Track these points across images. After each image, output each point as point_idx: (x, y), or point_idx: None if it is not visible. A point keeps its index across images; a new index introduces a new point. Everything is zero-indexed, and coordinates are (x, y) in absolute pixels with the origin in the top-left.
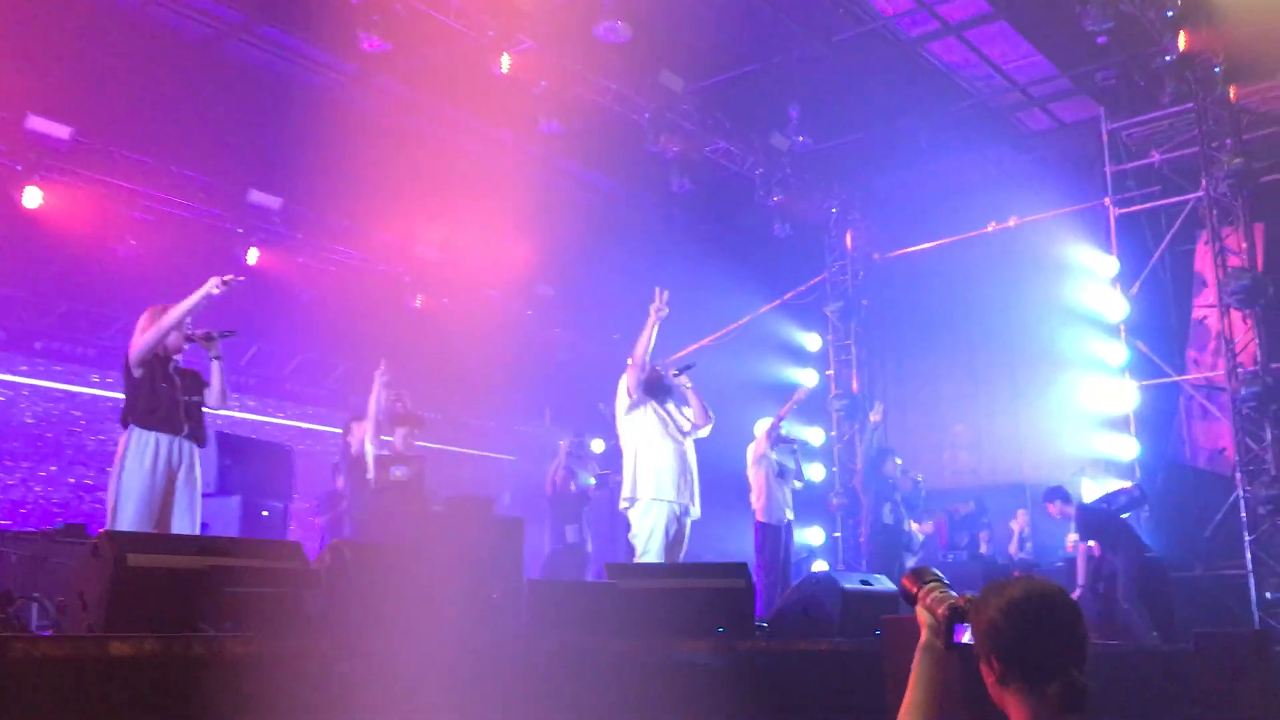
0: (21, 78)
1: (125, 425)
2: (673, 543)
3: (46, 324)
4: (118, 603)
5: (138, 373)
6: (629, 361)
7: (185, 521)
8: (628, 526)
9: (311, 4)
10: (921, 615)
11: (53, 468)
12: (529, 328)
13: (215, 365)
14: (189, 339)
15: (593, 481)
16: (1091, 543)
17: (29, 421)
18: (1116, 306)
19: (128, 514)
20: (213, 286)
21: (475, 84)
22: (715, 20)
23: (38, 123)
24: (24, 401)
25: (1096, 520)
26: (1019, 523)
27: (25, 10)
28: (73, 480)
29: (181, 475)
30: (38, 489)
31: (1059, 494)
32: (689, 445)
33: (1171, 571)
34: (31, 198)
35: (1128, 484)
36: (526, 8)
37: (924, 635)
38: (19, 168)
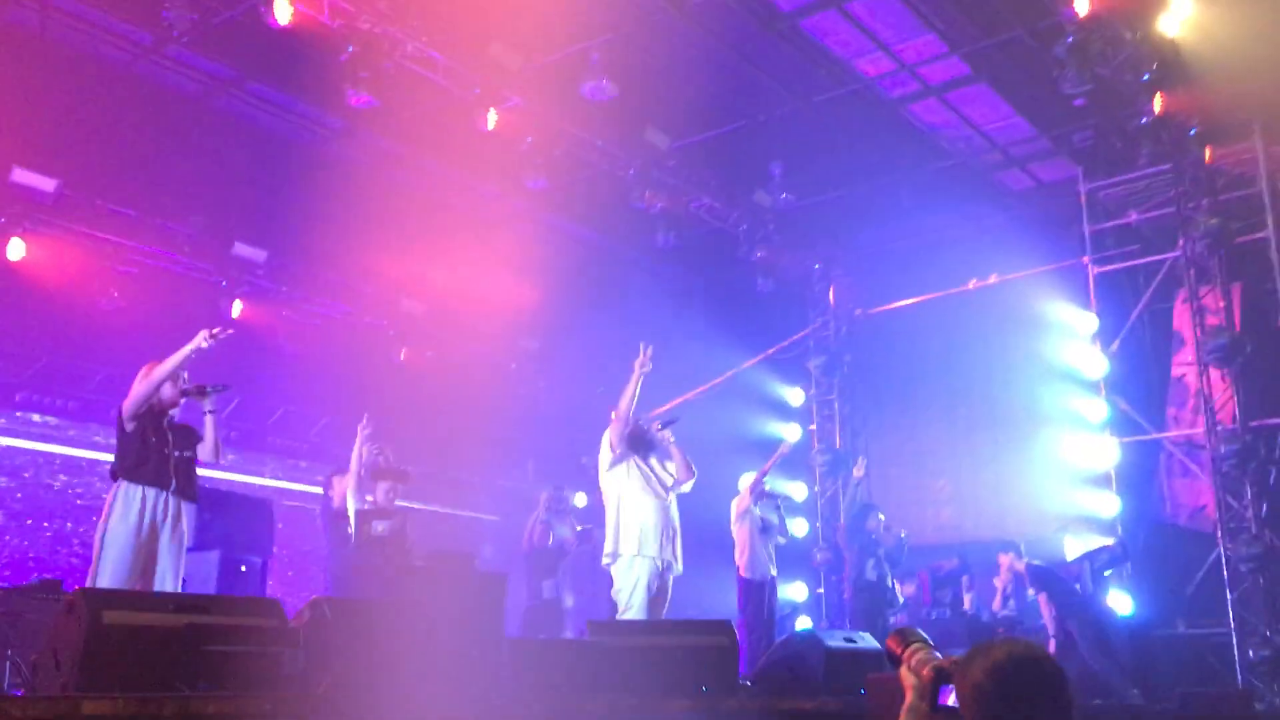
0: (7, 131)
1: (114, 479)
2: (655, 599)
3: (28, 377)
4: (92, 661)
5: (130, 426)
6: (613, 416)
7: (169, 577)
8: (610, 582)
9: (300, 60)
10: (906, 677)
11: (28, 521)
12: (513, 381)
13: (209, 420)
14: (183, 393)
15: (569, 535)
16: (1043, 594)
17: (6, 475)
18: (1096, 364)
19: (110, 567)
20: (202, 340)
21: (462, 140)
22: (700, 79)
23: (23, 175)
24: (2, 455)
25: (1045, 577)
26: (1003, 579)
27: (11, 64)
28: (50, 534)
29: (166, 530)
30: (14, 542)
31: (1012, 547)
32: (672, 500)
33: (1154, 630)
34: (15, 250)
35: (1109, 541)
36: (513, 66)
37: (909, 697)
38: (2, 220)
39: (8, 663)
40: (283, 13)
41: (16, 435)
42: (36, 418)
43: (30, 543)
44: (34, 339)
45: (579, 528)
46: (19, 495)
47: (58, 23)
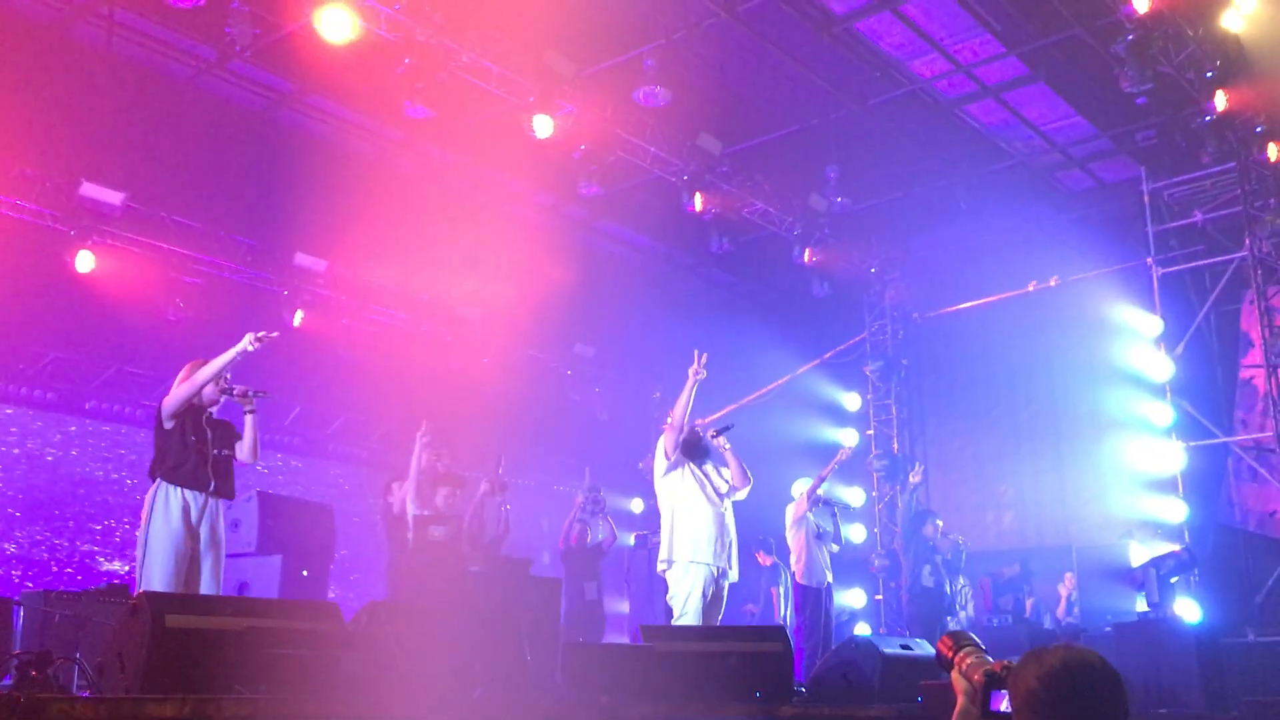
0: (76, 146)
1: (153, 478)
2: (710, 605)
3: (96, 385)
4: (155, 663)
5: (169, 425)
6: (667, 423)
7: (210, 577)
8: (665, 588)
9: (358, 73)
10: (957, 681)
11: (97, 527)
12: (568, 388)
13: (249, 419)
14: (224, 393)
15: (606, 535)
16: None
17: (80, 479)
18: (1162, 367)
19: (155, 568)
20: (248, 343)
21: (516, 148)
22: (753, 84)
23: (91, 189)
24: (73, 461)
25: None
26: (1066, 586)
27: (80, 80)
28: (119, 539)
29: (205, 531)
30: (84, 548)
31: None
32: (727, 507)
33: (1221, 638)
34: (84, 262)
35: (1176, 547)
36: (567, 73)
37: (960, 702)
38: (72, 233)
39: (75, 665)
40: (340, 28)
41: (86, 443)
42: (107, 426)
43: (100, 547)
44: (102, 348)
45: (633, 534)
46: (89, 501)
47: (124, 39)
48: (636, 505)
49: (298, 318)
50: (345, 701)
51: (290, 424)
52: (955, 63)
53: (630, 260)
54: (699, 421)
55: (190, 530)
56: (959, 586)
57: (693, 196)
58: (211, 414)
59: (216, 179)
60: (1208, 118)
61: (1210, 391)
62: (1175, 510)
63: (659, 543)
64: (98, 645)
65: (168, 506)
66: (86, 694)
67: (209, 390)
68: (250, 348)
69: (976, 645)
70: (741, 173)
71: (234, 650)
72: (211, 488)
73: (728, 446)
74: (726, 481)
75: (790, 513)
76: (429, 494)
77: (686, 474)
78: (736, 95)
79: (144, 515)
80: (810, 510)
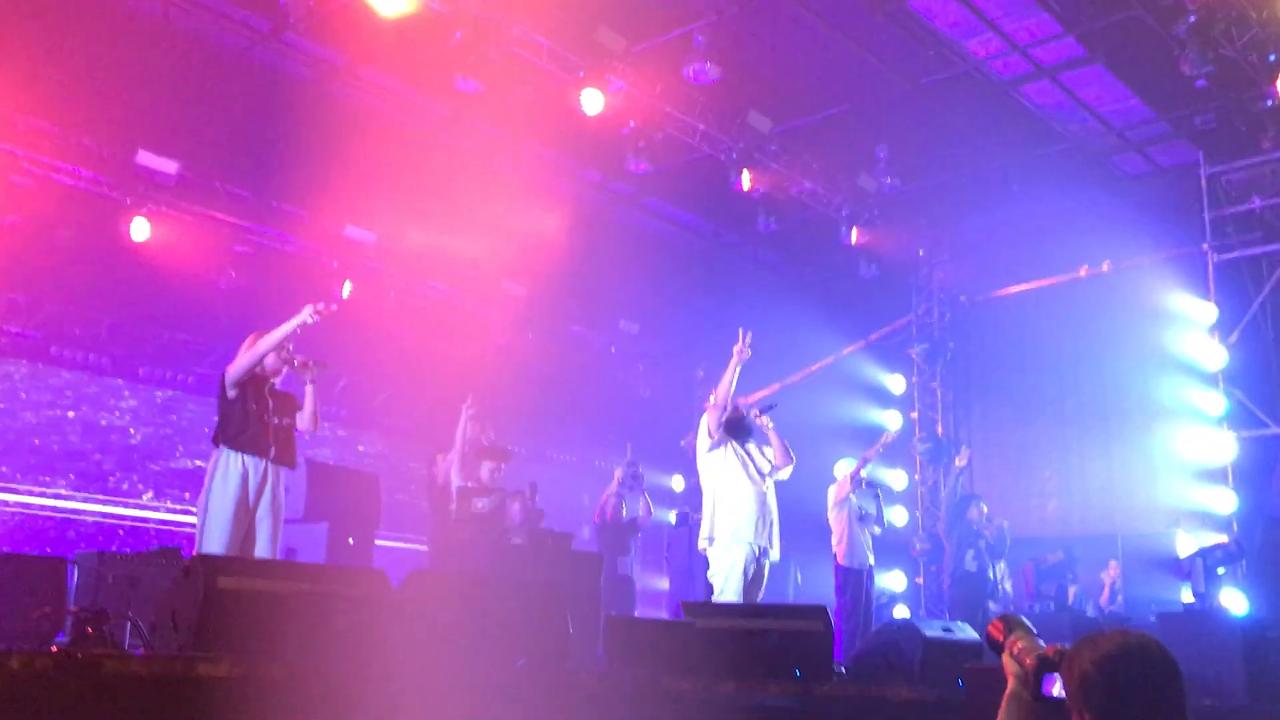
0: (132, 115)
1: (216, 445)
2: (751, 584)
3: (150, 352)
4: (207, 624)
5: (232, 393)
6: (711, 401)
7: (266, 542)
8: (706, 565)
9: (410, 46)
10: (1008, 665)
11: (149, 492)
12: (612, 364)
13: (309, 390)
14: (286, 364)
15: (642, 511)
16: None
17: (132, 445)
18: (1215, 355)
19: (214, 532)
20: (308, 315)
21: (565, 124)
22: (804, 62)
23: (147, 158)
24: (125, 427)
25: None
26: (1110, 574)
27: (136, 50)
28: (170, 503)
29: (266, 497)
30: (136, 512)
31: None
32: (769, 486)
33: (1269, 631)
34: (139, 230)
35: (1223, 538)
36: (617, 49)
37: (1010, 685)
38: (128, 201)
39: (128, 624)
40: (394, 1)
41: (141, 408)
42: (159, 392)
43: (152, 511)
44: (157, 316)
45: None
46: (141, 466)
47: (180, 9)
48: (678, 483)
49: (346, 289)
50: (391, 667)
51: (338, 395)
52: (1011, 43)
53: (677, 238)
54: (742, 400)
55: (250, 496)
56: (999, 571)
57: (741, 175)
58: (274, 384)
59: (268, 150)
60: (1269, 102)
61: (1264, 381)
62: (1224, 501)
63: (700, 520)
64: (150, 605)
65: (228, 472)
66: (140, 652)
67: (271, 360)
68: (310, 319)
69: (1028, 629)
70: (790, 151)
71: (284, 613)
72: (272, 454)
73: (770, 425)
74: (769, 460)
75: (832, 494)
76: (474, 466)
77: (729, 452)
78: (787, 73)
79: (206, 480)
80: (853, 492)
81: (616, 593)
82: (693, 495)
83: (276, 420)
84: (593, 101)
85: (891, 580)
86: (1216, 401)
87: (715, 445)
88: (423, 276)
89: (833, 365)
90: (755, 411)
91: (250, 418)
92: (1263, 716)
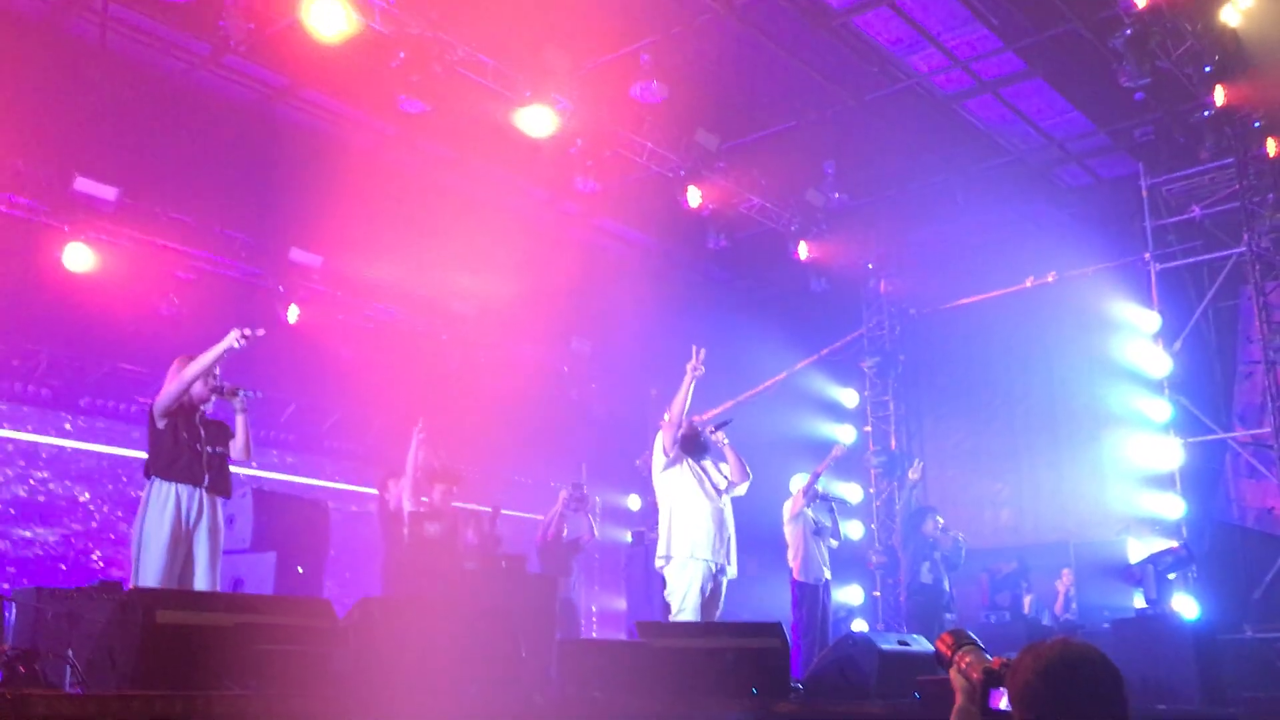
0: (69, 140)
1: (148, 476)
2: (708, 602)
3: (90, 382)
4: (146, 660)
5: (161, 423)
6: (665, 419)
7: (206, 573)
8: (663, 585)
9: (353, 67)
10: (956, 679)
11: (93, 524)
12: (565, 384)
13: (240, 419)
14: (214, 391)
15: (585, 532)
16: None
17: (72, 478)
18: (1159, 362)
19: (150, 564)
20: (234, 339)
21: (512, 143)
22: (749, 79)
23: (84, 184)
24: (68, 458)
25: None
26: (1064, 582)
27: (74, 74)
28: (114, 537)
29: (203, 526)
30: (79, 545)
31: None
32: (725, 503)
33: (1219, 634)
34: (79, 257)
35: (1174, 543)
36: (563, 69)
37: (959, 700)
38: (65, 228)
39: (67, 663)
40: (334, 22)
41: (83, 439)
42: (101, 422)
43: (95, 544)
44: (96, 345)
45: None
46: (85, 497)
47: (117, 33)
48: (633, 502)
49: (292, 313)
50: (337, 698)
51: (286, 420)
52: (953, 58)
53: (627, 256)
54: (696, 418)
55: (185, 526)
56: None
57: (689, 192)
58: (204, 412)
59: (210, 174)
60: (1206, 113)
61: (1208, 387)
62: (1173, 506)
63: (656, 539)
64: (89, 642)
65: (161, 503)
66: (77, 691)
67: (198, 388)
68: (236, 344)
69: (975, 644)
70: (738, 168)
71: (225, 646)
72: (206, 482)
73: (726, 442)
74: (725, 477)
75: (787, 509)
76: (425, 490)
77: (685, 470)
78: (733, 91)
79: (139, 511)
80: (808, 505)
81: (564, 614)
82: (649, 515)
83: (209, 449)
84: (540, 121)
85: (849, 594)
86: (1162, 408)
87: (671, 463)
88: (370, 299)
89: (786, 380)
90: (711, 428)
91: (181, 447)
92: None
